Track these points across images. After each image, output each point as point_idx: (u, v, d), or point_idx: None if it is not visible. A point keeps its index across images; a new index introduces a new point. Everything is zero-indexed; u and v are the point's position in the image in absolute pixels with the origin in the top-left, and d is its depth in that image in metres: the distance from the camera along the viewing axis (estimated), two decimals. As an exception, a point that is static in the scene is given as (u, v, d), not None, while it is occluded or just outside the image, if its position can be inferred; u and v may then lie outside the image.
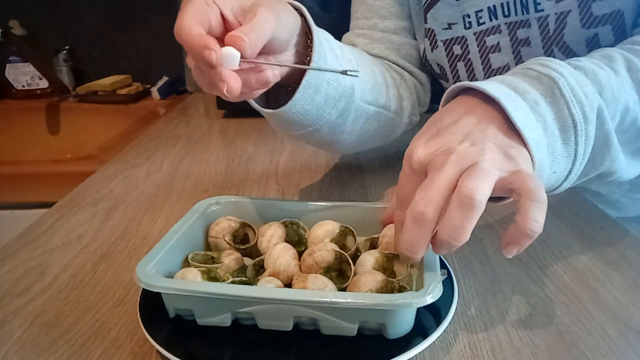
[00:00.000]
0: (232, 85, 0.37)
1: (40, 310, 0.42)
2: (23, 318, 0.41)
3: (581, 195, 0.63)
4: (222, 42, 0.37)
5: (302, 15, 0.46)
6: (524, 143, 0.36)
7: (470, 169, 0.33)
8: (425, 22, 0.66)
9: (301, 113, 0.49)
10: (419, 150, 0.36)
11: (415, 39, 0.71)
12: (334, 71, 0.48)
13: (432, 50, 0.67)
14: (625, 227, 0.54)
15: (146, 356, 0.37)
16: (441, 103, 0.42)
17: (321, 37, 0.48)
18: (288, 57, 0.46)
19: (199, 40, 0.36)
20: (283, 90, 0.49)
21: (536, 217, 0.32)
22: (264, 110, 0.49)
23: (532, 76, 0.40)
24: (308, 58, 0.46)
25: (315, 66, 0.45)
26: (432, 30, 0.66)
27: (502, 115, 0.37)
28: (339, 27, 0.77)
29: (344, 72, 0.44)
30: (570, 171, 0.40)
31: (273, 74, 0.42)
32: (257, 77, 0.41)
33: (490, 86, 0.38)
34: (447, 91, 0.42)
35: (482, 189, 0.32)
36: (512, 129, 0.36)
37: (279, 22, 0.40)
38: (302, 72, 0.46)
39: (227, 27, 0.40)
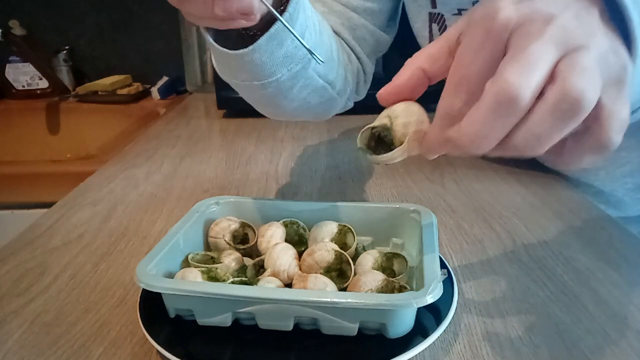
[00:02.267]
0: None
1: (40, 310, 0.42)
2: (23, 318, 0.41)
3: (582, 196, 0.63)
4: None
5: None
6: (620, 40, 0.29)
7: (577, 55, 0.25)
8: (435, 7, 0.66)
9: (257, 64, 0.47)
10: (509, 8, 0.27)
11: (380, 29, 0.68)
12: (301, 41, 0.46)
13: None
14: (625, 227, 0.54)
15: (146, 356, 0.37)
16: None
17: None
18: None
19: None
20: (246, 35, 0.47)
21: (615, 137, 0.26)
22: (221, 50, 0.46)
23: None
24: (282, 8, 0.44)
25: (288, 17, 0.44)
26: (442, 15, 0.65)
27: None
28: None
29: (311, 52, 0.45)
30: None
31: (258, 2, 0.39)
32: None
33: None
34: None
35: (592, 92, 0.24)
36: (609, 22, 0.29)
37: None
38: (269, 23, 0.44)
39: None
